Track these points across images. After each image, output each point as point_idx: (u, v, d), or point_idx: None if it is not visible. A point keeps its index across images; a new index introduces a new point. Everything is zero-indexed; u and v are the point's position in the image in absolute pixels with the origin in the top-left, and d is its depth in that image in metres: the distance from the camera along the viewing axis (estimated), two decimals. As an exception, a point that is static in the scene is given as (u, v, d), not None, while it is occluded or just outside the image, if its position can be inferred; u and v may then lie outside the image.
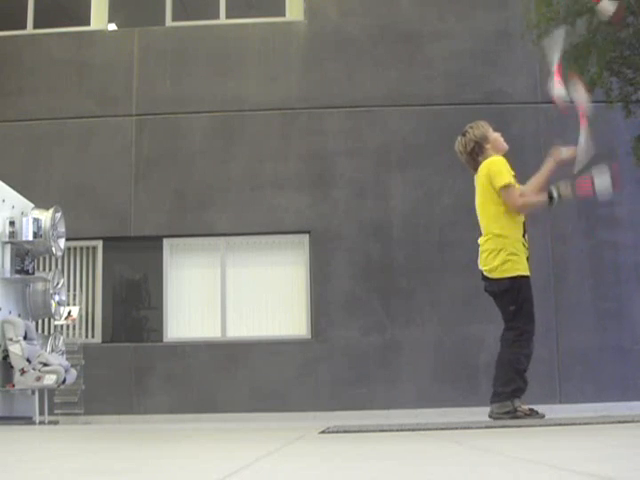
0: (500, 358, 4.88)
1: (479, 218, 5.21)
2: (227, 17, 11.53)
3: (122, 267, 11.02)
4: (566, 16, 8.59)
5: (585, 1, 8.13)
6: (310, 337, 10.41)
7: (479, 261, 5.17)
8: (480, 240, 5.19)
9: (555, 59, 5.41)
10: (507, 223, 4.98)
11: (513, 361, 4.81)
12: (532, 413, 4.75)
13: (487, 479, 1.75)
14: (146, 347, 10.50)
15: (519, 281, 4.93)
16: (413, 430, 4.02)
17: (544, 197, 4.91)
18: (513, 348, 4.84)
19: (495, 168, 4.95)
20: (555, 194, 4.86)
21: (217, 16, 11.53)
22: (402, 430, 4.06)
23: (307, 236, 10.67)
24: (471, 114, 10.86)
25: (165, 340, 10.53)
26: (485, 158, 5.05)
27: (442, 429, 4.05)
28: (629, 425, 3.98)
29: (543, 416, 4.78)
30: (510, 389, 4.75)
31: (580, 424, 4.27)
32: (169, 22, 11.55)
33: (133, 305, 11.04)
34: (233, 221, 10.70)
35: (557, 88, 5.30)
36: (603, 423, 4.29)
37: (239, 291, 10.70)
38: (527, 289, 4.97)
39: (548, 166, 5.07)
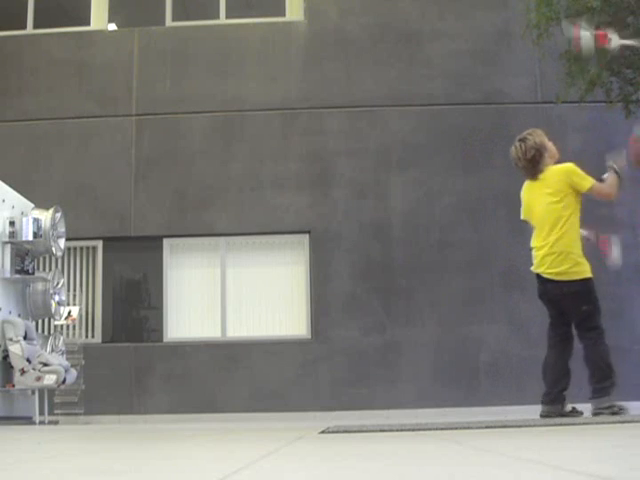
0: (591, 357, 5.12)
1: (540, 223, 5.29)
2: (227, 17, 11.53)
3: (122, 267, 11.02)
4: (566, 16, 8.59)
5: (585, 1, 8.13)
6: (310, 337, 10.41)
7: (538, 264, 5.26)
8: (540, 243, 5.27)
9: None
10: (575, 228, 5.22)
11: (605, 358, 5.10)
12: (624, 409, 5.08)
13: (487, 479, 1.75)
14: (146, 347, 10.50)
15: (589, 282, 5.17)
16: (413, 430, 4.02)
17: (614, 177, 5.16)
18: (600, 345, 5.11)
19: (578, 173, 5.18)
20: (617, 168, 5.15)
21: (217, 16, 11.53)
22: (402, 430, 4.06)
23: (307, 236, 10.67)
24: (471, 114, 10.93)
25: (165, 340, 10.53)
26: (544, 165, 5.24)
27: (442, 429, 4.05)
28: (629, 425, 3.98)
29: (628, 411, 5.08)
30: (607, 384, 5.08)
31: (580, 424, 4.27)
32: (169, 22, 11.55)
33: (133, 305, 11.04)
34: (233, 221, 10.70)
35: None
36: (603, 423, 4.29)
37: (239, 291, 10.70)
38: (595, 289, 5.22)
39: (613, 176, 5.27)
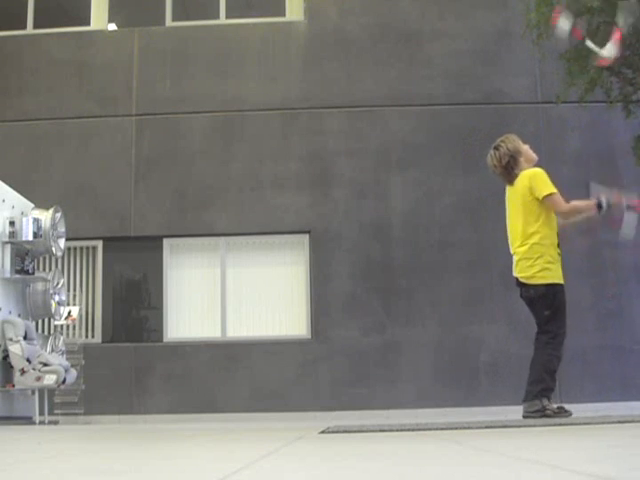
0: (533, 359, 5.13)
1: (514, 228, 5.38)
2: (227, 17, 11.53)
3: (122, 267, 11.01)
4: (566, 16, 8.58)
5: (585, 1, 8.13)
6: (310, 337, 10.40)
7: (514, 269, 5.38)
8: (516, 249, 5.38)
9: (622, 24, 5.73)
10: (545, 233, 5.22)
11: (545, 362, 5.07)
12: (561, 411, 4.98)
13: (487, 479, 1.75)
14: (146, 347, 10.50)
15: (555, 288, 5.20)
16: (413, 430, 4.02)
17: (590, 204, 5.15)
18: (546, 350, 5.11)
19: (539, 179, 5.19)
20: (604, 202, 5.10)
21: (217, 16, 11.53)
22: (402, 430, 4.06)
23: (307, 236, 10.67)
24: (471, 114, 10.92)
25: (165, 340, 10.53)
26: (520, 170, 5.28)
27: (442, 429, 4.05)
28: (629, 425, 3.98)
29: (571, 414, 4.99)
30: (539, 388, 5.00)
31: (580, 424, 4.27)
32: (169, 22, 11.55)
33: (133, 305, 11.03)
34: (233, 221, 10.70)
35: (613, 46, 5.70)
36: (603, 423, 4.29)
37: (239, 291, 10.69)
38: (562, 296, 5.23)
39: (589, 203, 5.23)
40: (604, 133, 10.58)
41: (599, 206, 5.10)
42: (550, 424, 4.30)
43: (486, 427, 4.10)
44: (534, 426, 4.13)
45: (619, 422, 4.21)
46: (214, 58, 11.19)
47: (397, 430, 4.07)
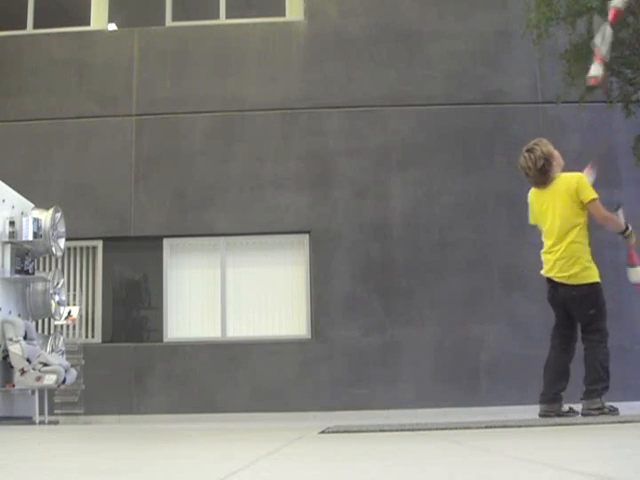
0: (590, 358, 5.26)
1: (550, 228, 5.44)
2: (227, 17, 11.53)
3: (122, 267, 11.01)
4: (566, 16, 8.60)
5: (585, 1, 8.13)
6: (310, 337, 10.41)
7: (550, 269, 5.41)
8: (551, 248, 5.41)
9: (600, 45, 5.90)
10: (585, 233, 5.38)
11: (602, 360, 5.23)
12: (614, 410, 5.15)
13: (487, 479, 1.75)
14: (146, 347, 10.50)
15: (597, 286, 5.32)
16: (413, 430, 4.02)
17: (621, 223, 5.41)
18: (600, 348, 5.27)
19: (585, 183, 5.35)
20: (630, 230, 5.41)
21: (217, 16, 11.53)
22: (402, 430, 4.06)
23: (307, 236, 10.67)
24: (471, 114, 10.92)
25: (165, 340, 10.53)
26: (553, 173, 5.40)
27: (442, 429, 4.05)
28: (629, 425, 3.98)
29: (619, 412, 5.17)
30: (600, 387, 5.17)
31: (580, 424, 4.27)
32: (169, 22, 11.55)
33: (133, 305, 11.03)
34: (233, 221, 10.70)
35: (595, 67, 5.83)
36: (603, 423, 4.29)
37: (239, 291, 10.70)
38: (602, 294, 5.38)
39: (621, 221, 5.52)
40: (604, 133, 10.58)
41: (626, 229, 5.39)
42: (550, 424, 4.30)
43: (486, 427, 4.10)
44: (534, 426, 4.13)
45: (619, 422, 4.21)
46: (214, 58, 11.19)
47: (397, 430, 4.07)
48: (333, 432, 4.02)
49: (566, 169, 5.49)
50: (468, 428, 4.05)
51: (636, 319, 10.33)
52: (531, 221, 5.59)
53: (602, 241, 10.43)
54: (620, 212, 5.45)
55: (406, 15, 11.15)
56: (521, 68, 10.85)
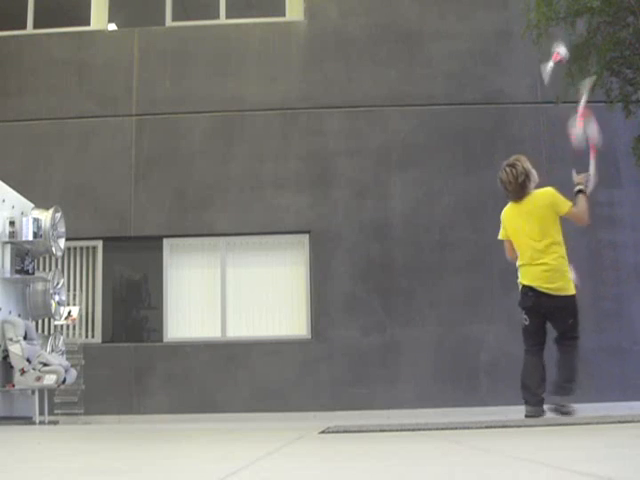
0: (568, 359, 5.67)
1: (525, 242, 5.73)
2: (227, 17, 11.52)
3: (122, 267, 11.01)
4: (566, 16, 8.59)
5: (585, 1, 8.13)
6: (310, 337, 10.40)
7: (534, 279, 5.70)
8: (535, 261, 5.68)
9: (583, 101, 6.17)
10: (563, 246, 5.69)
11: (577, 364, 5.72)
12: (575, 411, 5.53)
13: (487, 479, 1.75)
14: (146, 347, 10.49)
15: (575, 298, 5.74)
16: (413, 430, 4.02)
17: (583, 201, 5.65)
18: (577, 353, 5.75)
19: (558, 196, 5.67)
20: (583, 187, 5.69)
21: (217, 16, 11.53)
22: (402, 430, 4.06)
23: (307, 236, 10.67)
24: (471, 114, 10.92)
25: (165, 340, 10.53)
26: (530, 189, 5.71)
27: (442, 429, 4.05)
28: (629, 425, 3.98)
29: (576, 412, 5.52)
30: (573, 386, 5.60)
31: (580, 424, 4.27)
32: (169, 22, 11.55)
33: (133, 305, 11.03)
34: (233, 221, 10.70)
35: (578, 127, 6.13)
36: (603, 423, 4.29)
37: (239, 291, 10.69)
38: (578, 304, 5.80)
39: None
40: (604, 133, 10.55)
41: (582, 192, 5.65)
42: (550, 424, 4.30)
43: (486, 427, 4.10)
44: (534, 426, 4.13)
45: (619, 422, 4.21)
46: (214, 58, 11.19)
47: (397, 430, 4.07)
48: (333, 432, 4.02)
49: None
50: (468, 428, 4.06)
51: (636, 319, 10.32)
52: (501, 236, 5.91)
53: (602, 241, 10.50)
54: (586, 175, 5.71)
55: (406, 15, 11.15)
56: (521, 68, 10.84)
